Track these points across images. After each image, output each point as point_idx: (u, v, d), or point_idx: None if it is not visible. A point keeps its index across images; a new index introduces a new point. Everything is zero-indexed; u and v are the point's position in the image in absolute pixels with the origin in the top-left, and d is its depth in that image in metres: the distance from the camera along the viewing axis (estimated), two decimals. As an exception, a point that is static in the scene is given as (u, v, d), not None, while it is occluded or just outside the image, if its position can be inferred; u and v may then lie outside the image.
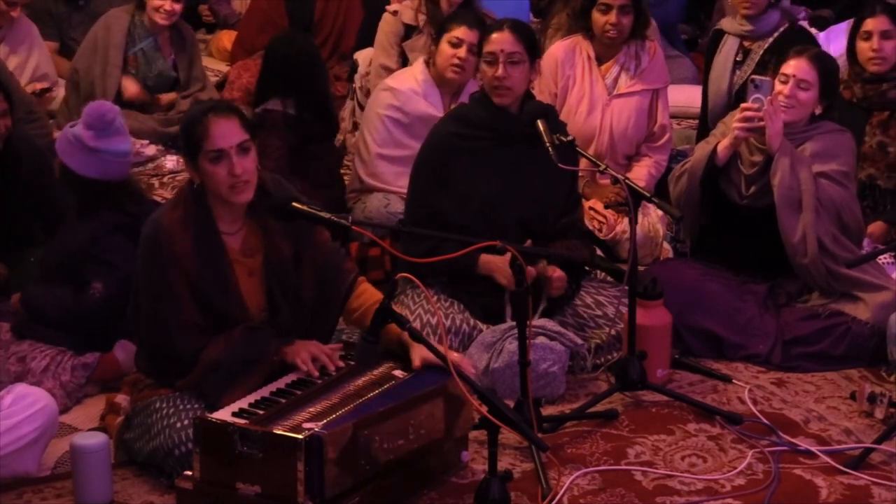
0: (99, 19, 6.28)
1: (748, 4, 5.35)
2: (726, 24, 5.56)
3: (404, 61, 5.68)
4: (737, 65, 5.45)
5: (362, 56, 6.15)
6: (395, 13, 5.84)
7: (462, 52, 4.95)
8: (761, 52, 5.38)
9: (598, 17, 5.13)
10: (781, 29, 5.40)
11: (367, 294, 3.74)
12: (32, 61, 6.26)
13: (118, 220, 4.11)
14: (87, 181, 4.11)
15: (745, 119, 4.34)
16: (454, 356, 3.48)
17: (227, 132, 3.49)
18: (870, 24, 5.01)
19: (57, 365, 4.03)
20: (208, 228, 3.56)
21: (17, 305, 4.24)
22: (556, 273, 4.15)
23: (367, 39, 6.31)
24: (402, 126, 5.05)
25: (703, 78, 5.78)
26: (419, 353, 3.52)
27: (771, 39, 5.38)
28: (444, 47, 4.99)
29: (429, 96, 5.05)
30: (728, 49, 5.49)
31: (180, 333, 3.52)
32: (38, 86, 6.05)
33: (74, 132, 4.12)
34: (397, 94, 5.06)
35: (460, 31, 4.97)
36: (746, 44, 5.45)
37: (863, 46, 5.03)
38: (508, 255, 3.57)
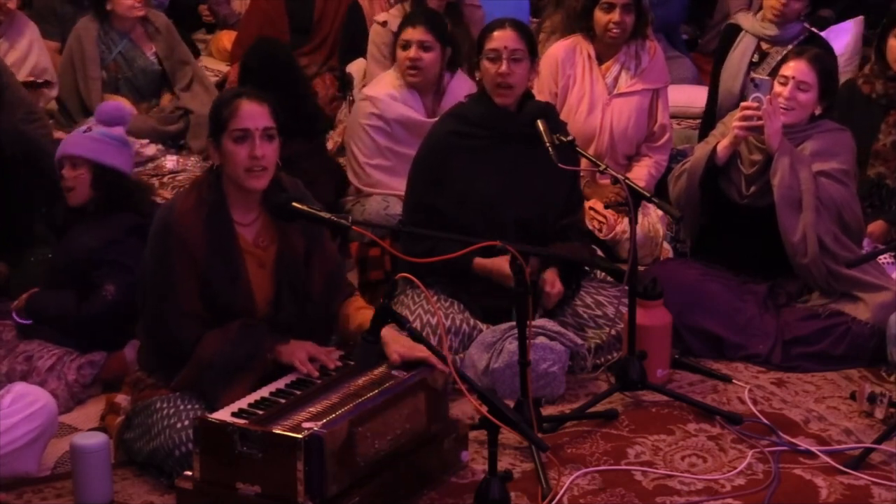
0: (71, 32, 6.26)
1: (777, 13, 5.27)
2: (745, 21, 5.47)
3: None
4: (752, 66, 5.38)
5: (355, 69, 6.15)
6: (384, 24, 5.84)
7: (412, 52, 4.97)
8: (779, 57, 5.22)
9: (600, 17, 5.12)
10: (802, 37, 5.35)
11: (355, 302, 3.77)
12: (32, 58, 6.26)
13: (134, 222, 4.13)
14: (122, 179, 4.18)
15: (745, 118, 4.34)
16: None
17: (255, 114, 3.57)
18: None
19: (63, 365, 4.03)
20: (222, 217, 3.59)
21: (21, 304, 4.23)
22: (556, 289, 4.16)
23: (348, 50, 6.32)
24: (384, 133, 5.04)
25: (711, 71, 5.66)
26: (395, 349, 3.53)
27: (791, 46, 5.26)
28: (398, 52, 5.03)
29: (407, 100, 5.04)
30: (744, 48, 5.42)
31: (180, 322, 3.53)
32: (30, 77, 6.03)
33: (105, 133, 4.17)
34: (375, 101, 5.06)
35: (406, 33, 5.01)
36: (764, 46, 5.38)
37: (893, 45, 5.00)
38: (505, 256, 3.58)
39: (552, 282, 4.17)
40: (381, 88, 5.11)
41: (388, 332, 3.49)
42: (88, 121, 4.48)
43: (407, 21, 5.10)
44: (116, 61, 6.16)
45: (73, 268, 4.14)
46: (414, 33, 4.99)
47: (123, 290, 4.05)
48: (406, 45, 5.00)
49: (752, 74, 4.95)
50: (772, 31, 5.35)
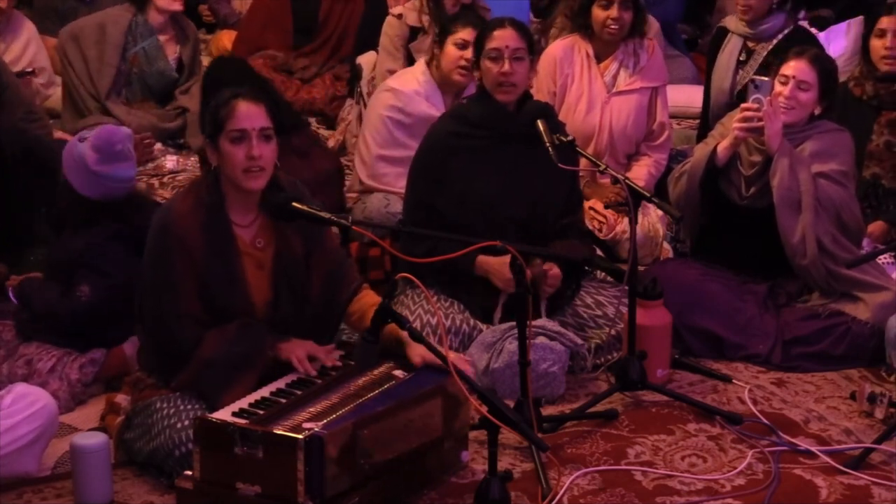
0: (95, 14, 6.24)
1: (745, 9, 5.35)
2: (730, 22, 5.53)
3: (410, 63, 5.66)
4: (740, 64, 5.44)
5: (365, 60, 6.15)
6: (399, 16, 5.83)
7: (469, 53, 4.93)
8: (765, 52, 5.36)
9: (598, 13, 5.12)
10: (786, 31, 5.39)
11: (368, 298, 3.75)
12: (28, 56, 6.26)
13: (117, 230, 4.11)
14: (85, 198, 4.10)
15: (745, 119, 4.35)
16: (452, 356, 3.49)
17: (252, 115, 3.56)
18: (885, 21, 4.96)
19: (63, 366, 4.03)
20: (220, 218, 3.59)
21: (15, 281, 4.23)
22: (553, 270, 4.15)
23: (365, 41, 6.30)
24: (403, 127, 5.05)
25: (705, 75, 5.76)
26: (418, 352, 3.53)
27: (775, 41, 5.36)
28: (450, 49, 4.97)
29: (430, 97, 5.04)
30: (731, 48, 5.48)
31: (180, 322, 3.53)
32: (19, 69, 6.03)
33: (80, 151, 4.07)
34: (399, 95, 5.05)
35: (466, 33, 4.95)
36: (750, 44, 5.44)
37: (876, 44, 5.00)
38: (507, 258, 3.58)
39: (549, 264, 4.14)
40: (406, 83, 5.09)
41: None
42: (94, 126, 4.46)
43: (467, 21, 5.04)
44: (137, 55, 6.15)
45: (64, 265, 4.15)
46: (474, 35, 4.96)
47: (98, 293, 4.04)
48: (463, 46, 4.93)
49: (753, 75, 4.95)
50: (750, 28, 5.39)
